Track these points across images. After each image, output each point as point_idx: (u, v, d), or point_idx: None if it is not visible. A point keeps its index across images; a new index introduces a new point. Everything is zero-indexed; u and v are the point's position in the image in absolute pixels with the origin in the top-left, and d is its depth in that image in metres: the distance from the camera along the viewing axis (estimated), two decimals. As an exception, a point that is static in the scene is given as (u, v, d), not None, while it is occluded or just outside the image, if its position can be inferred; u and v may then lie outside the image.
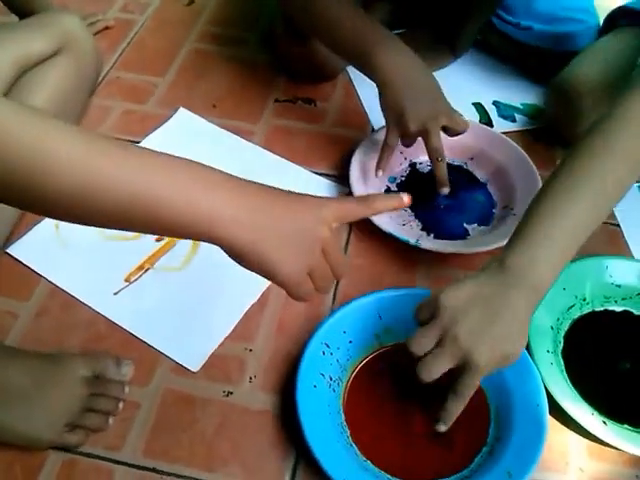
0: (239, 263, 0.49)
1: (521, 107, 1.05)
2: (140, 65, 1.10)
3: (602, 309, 0.78)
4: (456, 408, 0.59)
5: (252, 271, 0.50)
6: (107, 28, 1.16)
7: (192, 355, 0.72)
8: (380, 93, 0.81)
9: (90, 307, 0.76)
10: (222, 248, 0.48)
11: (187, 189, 0.45)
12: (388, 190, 0.90)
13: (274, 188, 0.50)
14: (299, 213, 0.50)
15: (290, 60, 1.06)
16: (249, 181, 0.49)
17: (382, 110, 0.82)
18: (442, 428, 0.60)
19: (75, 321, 0.75)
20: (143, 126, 0.98)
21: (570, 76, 0.92)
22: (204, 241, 0.47)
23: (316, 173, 0.93)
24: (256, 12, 1.22)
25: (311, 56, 1.00)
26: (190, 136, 0.97)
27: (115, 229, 0.46)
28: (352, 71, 1.09)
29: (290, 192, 0.51)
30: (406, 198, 0.56)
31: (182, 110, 1.01)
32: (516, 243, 0.60)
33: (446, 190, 0.83)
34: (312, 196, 0.52)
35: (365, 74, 0.83)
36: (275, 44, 1.08)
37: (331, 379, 0.68)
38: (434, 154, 0.81)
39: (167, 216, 0.45)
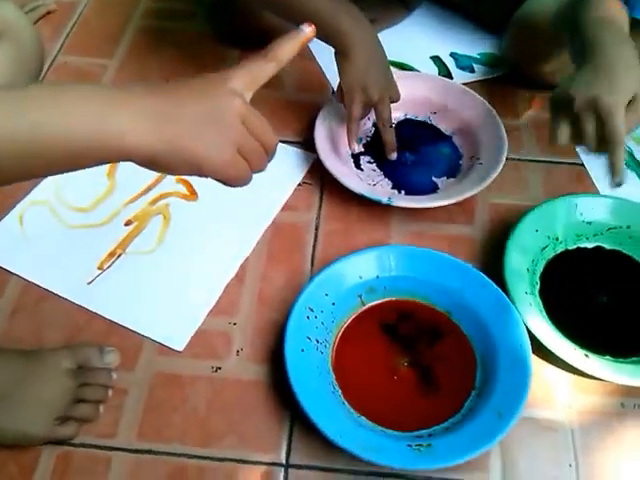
0: (165, 171, 0.47)
1: (478, 57, 1.05)
2: (87, 48, 1.07)
3: (575, 247, 0.79)
4: (619, 154, 0.62)
5: (182, 174, 0.47)
6: (49, 13, 1.13)
7: (176, 335, 0.72)
8: (341, 60, 0.79)
9: (66, 299, 0.75)
10: (140, 163, 0.46)
11: (86, 114, 0.43)
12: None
13: (174, 81, 0.48)
14: (206, 93, 0.47)
15: (240, 30, 1.03)
16: (146, 85, 0.46)
17: (343, 78, 0.80)
18: (619, 181, 0.64)
19: (52, 315, 0.74)
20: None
21: (529, 11, 0.91)
22: (123, 160, 0.45)
23: (281, 141, 0.92)
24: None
25: (261, 24, 0.98)
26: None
27: (22, 178, 0.44)
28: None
29: (192, 78, 0.48)
30: (307, 29, 0.52)
31: (136, 90, 0.98)
32: (587, 43, 0.68)
33: (394, 155, 0.87)
34: (215, 73, 0.49)
35: (324, 41, 0.79)
36: (224, 16, 1.06)
37: (318, 342, 0.68)
38: (386, 122, 0.83)
39: (70, 148, 0.42)
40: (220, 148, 0.47)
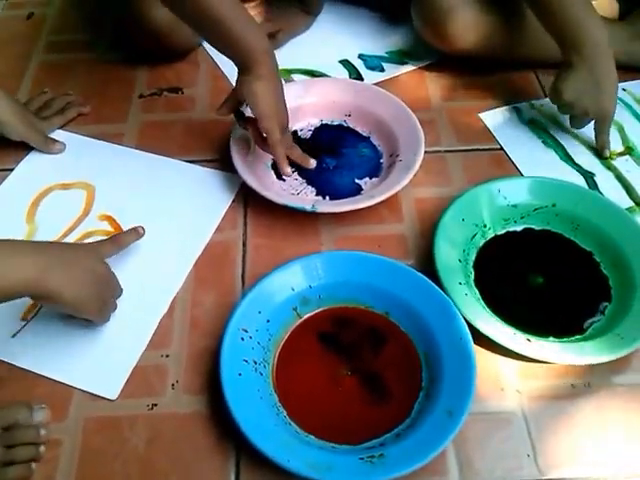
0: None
1: (387, 55, 1.05)
2: (-12, 90, 1.02)
3: (504, 232, 0.79)
4: (606, 136, 0.88)
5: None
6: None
7: (108, 383, 0.68)
8: (251, 80, 0.75)
9: (-12, 356, 0.70)
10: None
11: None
12: (274, 162, 0.87)
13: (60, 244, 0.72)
14: (82, 260, 0.65)
15: (133, 34, 1.00)
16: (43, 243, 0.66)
17: (258, 102, 0.76)
18: (607, 153, 0.88)
19: (-28, 375, 0.69)
20: (16, 154, 0.91)
21: None
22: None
23: (199, 161, 0.90)
24: (98, 12, 1.16)
25: (152, 26, 0.95)
26: (60, 154, 0.92)
27: None
28: (212, 49, 1.06)
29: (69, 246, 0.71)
30: (142, 231, 0.75)
31: (44, 128, 0.94)
32: (565, 35, 0.82)
33: (313, 163, 0.85)
34: (88, 244, 0.73)
35: (229, 56, 0.77)
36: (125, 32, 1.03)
37: (256, 363, 0.66)
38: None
39: None
40: (96, 300, 0.66)
